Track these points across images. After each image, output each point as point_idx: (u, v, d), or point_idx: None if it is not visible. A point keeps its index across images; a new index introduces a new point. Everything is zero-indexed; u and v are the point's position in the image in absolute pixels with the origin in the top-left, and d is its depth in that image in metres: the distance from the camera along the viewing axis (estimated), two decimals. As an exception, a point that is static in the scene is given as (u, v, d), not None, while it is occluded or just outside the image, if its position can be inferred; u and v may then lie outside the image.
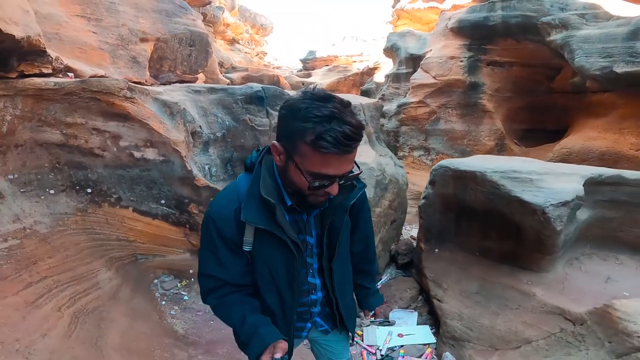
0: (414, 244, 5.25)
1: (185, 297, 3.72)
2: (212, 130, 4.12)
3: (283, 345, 1.16)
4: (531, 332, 3.06)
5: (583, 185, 3.26)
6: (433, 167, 3.97)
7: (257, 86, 4.68)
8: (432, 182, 3.94)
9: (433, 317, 4.02)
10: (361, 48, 30.25)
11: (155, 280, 3.80)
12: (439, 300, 3.90)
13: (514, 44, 7.55)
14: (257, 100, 4.53)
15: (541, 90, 8.47)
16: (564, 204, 2.81)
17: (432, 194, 3.97)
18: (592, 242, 3.77)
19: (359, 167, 1.15)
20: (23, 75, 2.61)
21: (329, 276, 1.35)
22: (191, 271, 3.92)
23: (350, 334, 1.58)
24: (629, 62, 4.95)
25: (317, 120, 0.96)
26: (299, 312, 1.39)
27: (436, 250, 4.27)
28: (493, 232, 3.69)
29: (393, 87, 11.18)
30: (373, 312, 1.64)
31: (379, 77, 12.87)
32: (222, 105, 4.39)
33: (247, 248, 1.21)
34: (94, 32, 4.24)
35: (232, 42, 16.83)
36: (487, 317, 3.48)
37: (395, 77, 11.03)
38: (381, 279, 4.75)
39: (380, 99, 11.24)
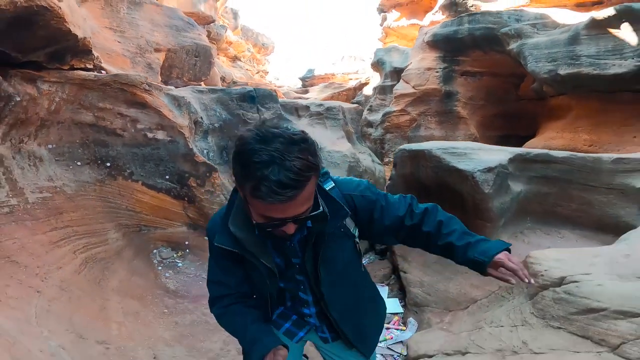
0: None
1: (179, 264, 4.30)
2: (211, 122, 4.82)
3: (283, 352, 1.18)
4: (477, 292, 3.47)
5: (513, 161, 3.88)
6: (394, 152, 4.63)
7: (249, 87, 5.42)
8: (394, 165, 4.59)
9: (402, 293, 4.47)
10: (357, 66, 31.45)
11: (155, 250, 4.39)
12: (404, 272, 4.43)
13: (482, 54, 8.32)
14: (249, 98, 5.25)
15: (511, 98, 9.19)
16: (489, 169, 3.44)
17: (395, 175, 4.61)
18: (533, 217, 4.28)
19: (324, 207, 1.12)
20: (72, 68, 3.32)
21: (320, 299, 1.30)
22: (187, 243, 4.49)
23: (365, 354, 1.44)
24: (570, 65, 5.63)
25: (255, 167, 0.91)
26: (296, 320, 1.42)
27: (403, 228, 4.87)
28: (446, 205, 4.28)
29: (379, 99, 11.95)
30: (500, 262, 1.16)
31: (368, 90, 13.70)
32: (220, 102, 5.11)
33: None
34: (118, 42, 5.00)
35: (234, 59, 17.84)
36: (442, 283, 4.01)
37: (381, 90, 11.83)
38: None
39: (368, 110, 12.03)
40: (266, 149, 0.91)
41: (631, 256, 2.44)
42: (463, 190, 3.62)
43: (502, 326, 2.75)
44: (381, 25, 14.00)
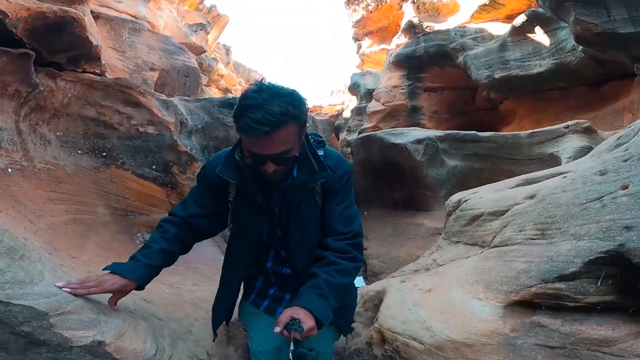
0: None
1: None
2: (194, 123, 5.52)
3: (108, 277, 1.20)
4: (421, 252, 4.00)
5: (444, 139, 4.58)
6: (351, 142, 5.33)
7: (230, 96, 6.19)
8: (351, 153, 5.28)
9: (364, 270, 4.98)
10: (344, 98, 33.15)
11: (138, 234, 4.89)
12: (365, 249, 5.00)
13: (440, 70, 9.30)
14: (228, 105, 6.00)
15: (470, 109, 10.10)
16: (419, 141, 4.14)
17: (353, 162, 5.28)
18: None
19: (315, 163, 1.26)
20: (84, 71, 4.04)
21: (291, 255, 1.34)
22: None
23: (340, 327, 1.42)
24: (502, 69, 6.50)
25: (244, 108, 1.10)
26: (276, 281, 1.42)
27: (365, 212, 5.48)
28: (396, 184, 4.92)
29: (357, 120, 12.85)
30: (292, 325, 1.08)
31: (347, 113, 14.69)
32: (204, 108, 5.84)
33: (230, 198, 1.33)
34: (120, 60, 5.81)
35: (225, 91, 18.98)
36: (394, 250, 4.57)
37: (357, 111, 12.77)
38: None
39: (347, 131, 12.91)
40: (255, 96, 1.11)
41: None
42: (402, 162, 4.27)
43: (423, 257, 3.31)
44: (357, 53, 15.28)
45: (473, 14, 8.67)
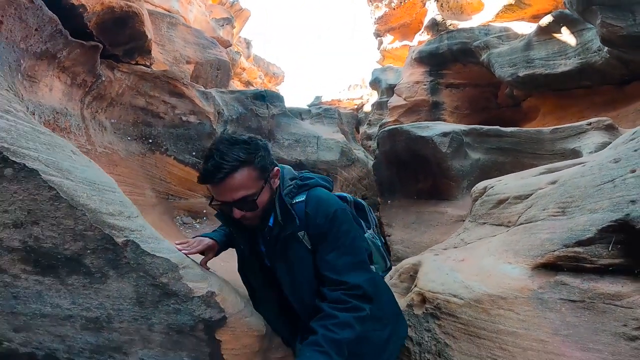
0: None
1: (198, 227, 5.19)
2: (230, 114, 5.86)
3: (207, 241, 1.49)
4: (444, 238, 4.26)
5: (469, 133, 4.75)
6: (377, 135, 5.55)
7: (262, 89, 6.50)
8: (377, 145, 5.51)
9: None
10: (362, 92, 33.19)
11: (178, 217, 5.30)
12: (389, 236, 5.25)
13: (462, 67, 9.36)
14: (260, 97, 6.32)
15: (492, 106, 10.13)
16: (445, 134, 4.34)
17: (378, 153, 5.51)
18: (494, 183, 5.15)
19: (278, 214, 1.28)
20: (137, 63, 4.42)
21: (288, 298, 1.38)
22: (204, 211, 5.35)
23: None
24: (527, 67, 6.57)
25: (203, 161, 1.23)
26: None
27: (389, 201, 5.72)
28: (420, 175, 5.13)
29: (377, 114, 13.01)
30: None
31: (367, 107, 14.86)
32: (238, 100, 6.17)
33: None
34: (160, 53, 6.17)
35: (247, 84, 19.37)
36: (418, 236, 4.82)
37: (378, 105, 12.92)
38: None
39: (367, 124, 13.10)
40: (213, 148, 1.21)
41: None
42: (427, 153, 4.49)
43: (450, 238, 3.56)
44: (378, 49, 15.39)
45: (498, 13, 8.69)
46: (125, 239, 1.18)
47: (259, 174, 1.23)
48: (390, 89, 12.24)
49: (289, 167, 1.51)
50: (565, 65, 6.01)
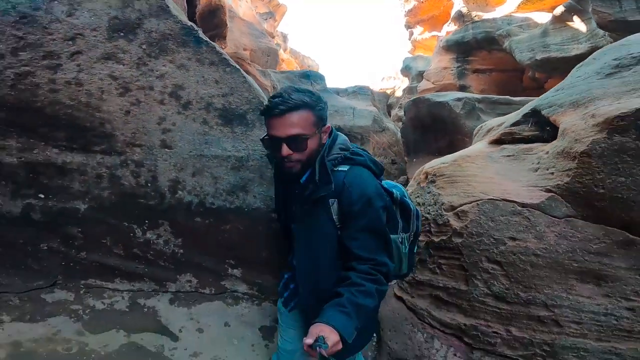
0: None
1: None
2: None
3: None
4: None
5: (482, 101, 5.70)
6: (404, 104, 6.61)
7: (306, 70, 7.72)
8: (404, 113, 6.55)
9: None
10: (394, 83, 33.90)
11: None
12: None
13: (487, 54, 10.10)
14: (305, 76, 7.55)
15: (518, 89, 10.76)
16: (459, 99, 5.33)
17: (405, 119, 6.56)
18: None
19: (319, 175, 1.29)
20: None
21: (296, 261, 1.44)
22: None
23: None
24: (543, 52, 7.30)
25: (267, 101, 1.34)
26: (293, 288, 1.55)
27: (414, 160, 6.77)
28: (439, 134, 6.13)
29: (408, 97, 13.90)
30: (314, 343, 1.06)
31: (399, 93, 15.79)
32: (287, 78, 7.43)
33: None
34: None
35: (285, 75, 20.87)
36: None
37: (409, 90, 13.82)
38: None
39: (398, 107, 14.06)
40: (279, 92, 1.31)
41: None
42: (444, 115, 5.49)
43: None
44: (409, 39, 16.22)
45: (519, 5, 9.37)
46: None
47: (316, 120, 1.28)
48: (420, 75, 13.10)
49: (345, 137, 1.48)
50: (577, 49, 6.72)
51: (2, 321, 2.15)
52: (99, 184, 2.00)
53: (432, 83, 11.28)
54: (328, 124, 1.36)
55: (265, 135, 1.32)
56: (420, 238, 2.40)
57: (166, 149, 2.05)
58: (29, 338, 2.19)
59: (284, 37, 24.52)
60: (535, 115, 2.35)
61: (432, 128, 6.00)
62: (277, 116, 1.24)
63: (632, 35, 2.36)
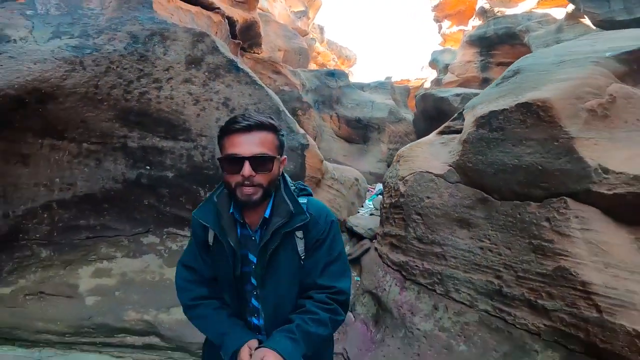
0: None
1: None
2: (310, 86, 8.36)
3: (253, 343, 1.17)
4: None
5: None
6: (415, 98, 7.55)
7: (331, 69, 8.87)
8: (416, 106, 7.50)
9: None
10: (430, 72, 33.88)
11: None
12: None
13: (510, 48, 10.51)
14: (331, 74, 8.71)
15: (541, 82, 11.07)
16: (457, 95, 6.23)
17: (416, 111, 7.52)
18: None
19: (290, 204, 1.22)
20: (253, 52, 7.13)
21: (260, 302, 1.29)
22: None
23: None
24: (554, 47, 7.79)
25: (227, 121, 1.19)
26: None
27: (423, 150, 7.73)
28: (441, 123, 7.03)
29: (434, 89, 14.55)
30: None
31: (427, 84, 16.34)
32: (315, 76, 8.64)
33: (210, 249, 1.31)
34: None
35: (322, 66, 21.87)
36: None
37: (436, 82, 14.38)
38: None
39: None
40: (241, 114, 1.21)
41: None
42: (445, 108, 6.38)
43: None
44: (438, 32, 16.60)
45: (539, 1, 9.67)
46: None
47: (278, 145, 1.21)
48: (446, 68, 13.64)
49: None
50: (586, 44, 7.20)
51: (116, 257, 3.45)
52: (181, 159, 3.36)
53: (456, 76, 11.86)
54: (284, 156, 1.28)
55: (223, 157, 1.18)
56: (385, 200, 3.55)
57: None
58: (131, 269, 3.43)
59: (321, 30, 25.43)
60: (462, 114, 3.37)
61: (437, 119, 6.92)
62: (241, 132, 1.14)
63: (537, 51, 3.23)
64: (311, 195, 1.37)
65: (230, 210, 1.25)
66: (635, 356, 1.67)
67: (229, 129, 1.16)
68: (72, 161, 3.16)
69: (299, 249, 1.27)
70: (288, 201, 1.24)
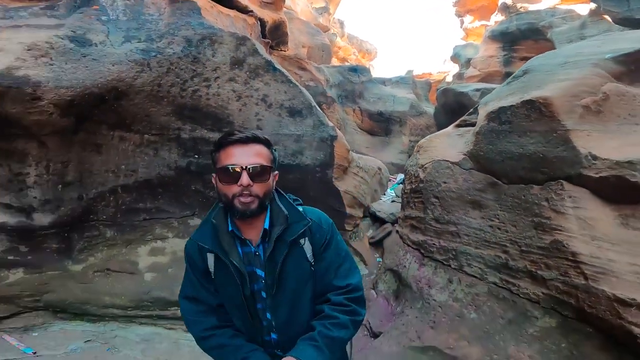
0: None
1: None
2: (333, 81, 8.75)
3: None
4: None
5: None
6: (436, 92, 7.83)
7: (354, 64, 9.23)
8: (437, 99, 7.78)
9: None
10: (451, 66, 33.48)
11: None
12: None
13: (534, 43, 10.51)
14: (353, 70, 9.07)
15: (565, 76, 11.03)
16: (477, 90, 6.47)
17: (437, 105, 7.79)
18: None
19: (285, 211, 1.24)
20: (280, 50, 7.58)
21: (273, 315, 1.29)
22: None
23: None
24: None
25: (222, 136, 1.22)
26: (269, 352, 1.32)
27: (443, 143, 8.02)
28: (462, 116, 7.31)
29: (457, 83, 14.61)
30: None
31: (449, 78, 16.39)
32: (338, 72, 9.02)
33: (212, 275, 1.28)
34: (288, 40, 9.32)
35: (343, 60, 22.06)
36: None
37: (458, 76, 14.45)
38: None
39: (447, 93, 14.87)
40: (236, 130, 1.28)
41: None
42: (466, 102, 6.63)
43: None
44: (461, 27, 16.56)
45: (563, -3, 9.67)
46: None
47: (273, 159, 1.24)
48: (468, 63, 13.69)
49: None
50: (609, 39, 7.27)
51: (168, 237, 3.88)
52: (225, 147, 3.85)
53: (478, 70, 11.93)
54: (277, 172, 1.30)
55: (216, 173, 1.22)
56: (407, 186, 3.94)
57: (259, 130, 3.83)
58: (180, 249, 3.57)
59: (341, 24, 25.56)
60: (477, 109, 3.69)
61: (457, 112, 7.15)
62: (238, 144, 1.18)
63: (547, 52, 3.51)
64: (303, 204, 1.39)
65: (230, 228, 1.25)
66: (615, 319, 1.87)
67: (226, 142, 1.19)
68: (135, 150, 3.68)
69: (307, 256, 1.28)
70: (284, 209, 1.27)
